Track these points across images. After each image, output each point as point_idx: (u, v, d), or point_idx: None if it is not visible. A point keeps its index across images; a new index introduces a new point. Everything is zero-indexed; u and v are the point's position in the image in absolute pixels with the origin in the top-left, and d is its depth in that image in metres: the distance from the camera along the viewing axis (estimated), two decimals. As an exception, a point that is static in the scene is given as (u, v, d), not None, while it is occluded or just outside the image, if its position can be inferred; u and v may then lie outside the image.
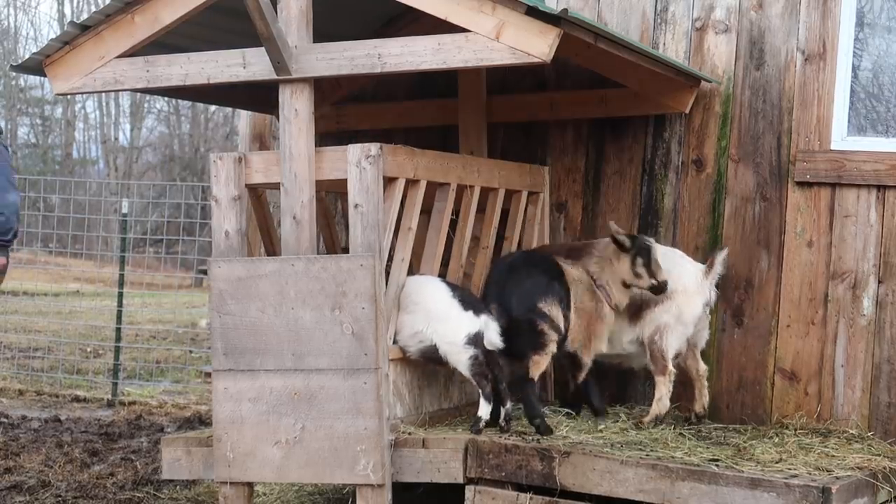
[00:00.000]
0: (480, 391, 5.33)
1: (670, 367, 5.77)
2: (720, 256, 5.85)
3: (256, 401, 5.26)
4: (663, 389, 5.77)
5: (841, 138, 5.92)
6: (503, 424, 5.37)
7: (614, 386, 6.42)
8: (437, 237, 5.72)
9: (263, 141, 6.66)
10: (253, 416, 5.27)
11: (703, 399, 5.94)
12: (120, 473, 7.16)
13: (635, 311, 5.88)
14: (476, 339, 5.32)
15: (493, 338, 5.36)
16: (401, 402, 5.46)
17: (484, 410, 5.32)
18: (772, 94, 6.08)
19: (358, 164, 5.17)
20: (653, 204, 6.38)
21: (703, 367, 5.96)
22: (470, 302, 5.46)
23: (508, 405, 5.41)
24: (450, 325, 5.34)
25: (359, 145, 5.19)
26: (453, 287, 5.54)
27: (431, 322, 5.36)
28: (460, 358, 5.34)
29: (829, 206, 5.93)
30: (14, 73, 28.02)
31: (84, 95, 11.81)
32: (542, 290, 5.63)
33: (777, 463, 5.01)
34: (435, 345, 5.38)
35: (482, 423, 5.32)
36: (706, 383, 5.95)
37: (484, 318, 5.38)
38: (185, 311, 15.12)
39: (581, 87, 6.55)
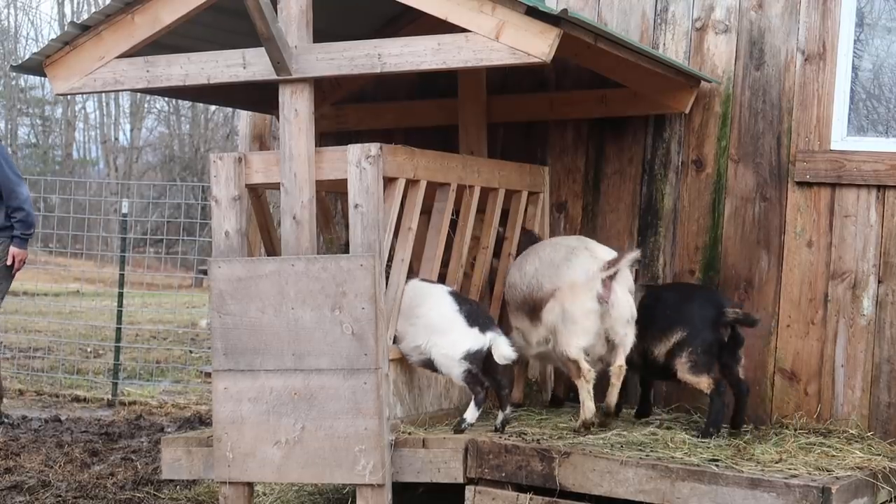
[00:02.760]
0: (473, 396, 5.33)
1: (582, 367, 5.39)
2: (629, 256, 5.42)
3: (256, 401, 5.26)
4: (583, 393, 5.40)
5: (841, 138, 5.92)
6: (499, 426, 5.37)
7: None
8: (437, 237, 5.71)
9: (263, 141, 6.67)
10: (253, 416, 5.27)
11: (610, 398, 5.50)
12: (120, 473, 7.15)
13: (532, 310, 5.62)
14: (475, 357, 5.29)
15: (506, 351, 5.30)
16: (401, 402, 5.46)
17: (471, 413, 5.32)
18: (772, 94, 6.08)
19: (358, 164, 5.17)
20: (653, 204, 6.38)
21: (617, 363, 5.47)
22: (477, 318, 5.38)
23: (508, 409, 5.41)
24: (448, 339, 5.32)
25: (359, 145, 5.19)
26: (461, 300, 5.47)
27: (431, 336, 5.34)
28: (452, 371, 5.35)
29: (829, 206, 5.93)
30: (14, 74, 28.04)
31: (84, 95, 11.81)
32: None
33: (777, 463, 5.01)
34: (432, 358, 5.39)
35: (465, 425, 5.31)
36: (617, 382, 5.48)
37: (491, 334, 5.32)
38: (185, 311, 15.10)
39: (581, 87, 6.55)
